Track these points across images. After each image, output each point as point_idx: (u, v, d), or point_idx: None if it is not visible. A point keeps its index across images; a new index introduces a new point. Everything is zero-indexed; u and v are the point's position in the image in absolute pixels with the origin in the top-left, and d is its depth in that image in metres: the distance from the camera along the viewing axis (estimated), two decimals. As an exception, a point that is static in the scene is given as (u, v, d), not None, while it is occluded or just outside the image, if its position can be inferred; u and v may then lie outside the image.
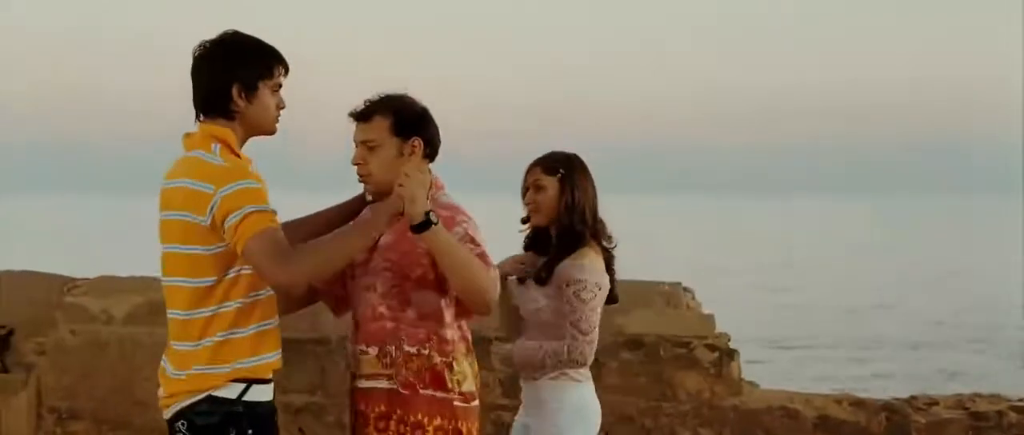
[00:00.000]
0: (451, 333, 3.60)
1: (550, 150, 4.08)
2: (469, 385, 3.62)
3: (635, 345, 6.15)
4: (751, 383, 6.37)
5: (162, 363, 3.37)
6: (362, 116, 3.60)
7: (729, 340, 6.21)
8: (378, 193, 3.59)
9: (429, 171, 3.59)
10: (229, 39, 3.34)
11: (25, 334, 6.42)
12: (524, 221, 4.12)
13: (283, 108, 3.39)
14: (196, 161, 3.25)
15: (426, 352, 3.56)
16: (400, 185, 3.34)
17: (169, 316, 3.34)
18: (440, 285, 3.56)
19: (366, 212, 3.67)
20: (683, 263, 40.96)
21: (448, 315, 3.60)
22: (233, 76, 3.29)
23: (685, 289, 6.34)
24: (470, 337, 3.70)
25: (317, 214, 3.74)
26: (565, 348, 3.93)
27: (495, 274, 3.53)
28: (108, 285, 6.51)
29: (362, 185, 3.68)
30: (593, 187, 4.03)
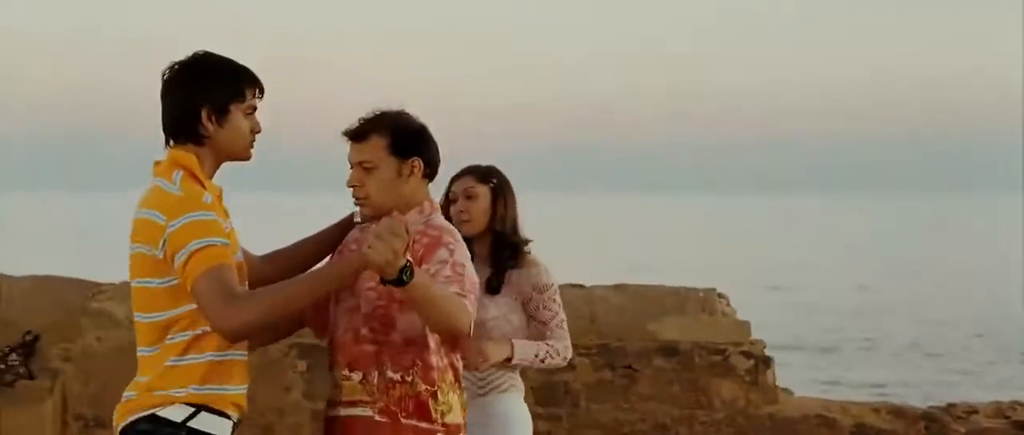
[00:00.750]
0: (437, 360, 3.38)
1: (476, 162, 4.10)
2: (454, 417, 3.40)
3: (669, 352, 6.09)
4: (786, 390, 6.30)
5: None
6: (357, 135, 3.39)
7: (764, 347, 6.14)
8: (376, 216, 3.39)
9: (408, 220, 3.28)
10: (199, 60, 3.19)
11: (51, 340, 6.35)
12: None
13: (258, 132, 3.23)
14: (156, 190, 3.12)
15: (410, 379, 3.35)
16: (369, 247, 3.05)
17: (137, 353, 3.19)
18: None
19: (353, 234, 3.53)
20: (683, 263, 40.92)
21: (433, 341, 3.37)
22: (202, 99, 3.13)
23: (719, 295, 6.27)
24: (460, 367, 3.48)
25: (299, 243, 3.57)
26: (564, 347, 4.01)
27: (471, 305, 3.30)
28: (134, 290, 6.44)
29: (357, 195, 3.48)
30: (515, 198, 4.08)
